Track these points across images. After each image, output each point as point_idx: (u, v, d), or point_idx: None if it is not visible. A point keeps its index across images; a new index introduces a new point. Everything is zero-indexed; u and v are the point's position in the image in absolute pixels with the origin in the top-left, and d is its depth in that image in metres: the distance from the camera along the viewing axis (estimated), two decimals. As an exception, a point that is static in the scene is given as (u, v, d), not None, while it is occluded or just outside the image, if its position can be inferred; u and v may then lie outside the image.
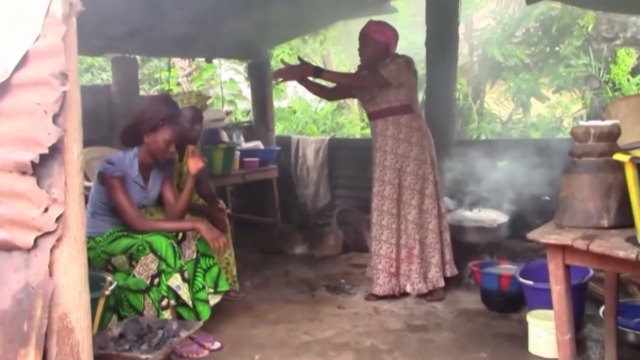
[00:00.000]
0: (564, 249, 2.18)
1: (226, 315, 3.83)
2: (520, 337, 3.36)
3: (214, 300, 3.59)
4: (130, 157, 3.45)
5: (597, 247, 2.01)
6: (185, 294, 3.31)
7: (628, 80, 8.13)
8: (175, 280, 3.29)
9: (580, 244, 2.06)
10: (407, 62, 4.07)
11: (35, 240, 1.89)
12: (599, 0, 4.65)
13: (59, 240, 1.89)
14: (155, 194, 3.62)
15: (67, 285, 1.93)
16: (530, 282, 3.45)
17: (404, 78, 4.04)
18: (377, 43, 4.04)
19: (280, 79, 4.24)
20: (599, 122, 2.32)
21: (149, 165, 3.53)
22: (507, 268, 4.02)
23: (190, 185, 3.60)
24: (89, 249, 3.35)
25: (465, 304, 4.05)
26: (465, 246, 4.67)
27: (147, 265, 3.28)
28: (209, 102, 6.53)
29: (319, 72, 4.11)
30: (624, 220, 2.16)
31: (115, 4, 3.67)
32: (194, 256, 3.54)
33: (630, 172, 1.98)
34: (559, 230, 2.26)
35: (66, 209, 1.89)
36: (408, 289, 4.13)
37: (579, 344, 3.21)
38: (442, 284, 4.14)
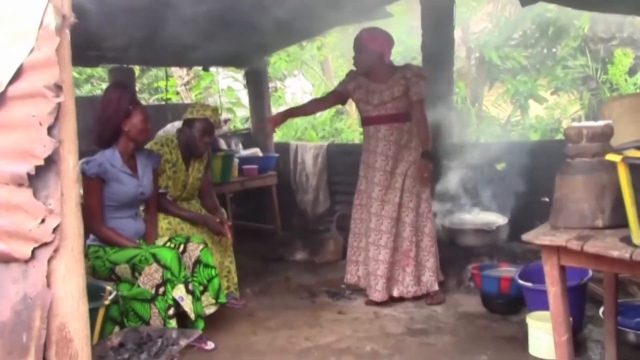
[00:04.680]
0: (558, 250, 2.19)
1: (227, 322, 3.84)
2: (521, 339, 3.37)
3: (209, 310, 3.63)
4: (109, 152, 3.42)
5: (591, 247, 2.02)
6: (187, 305, 3.33)
7: (625, 80, 8.15)
8: (179, 291, 3.32)
9: (574, 245, 2.06)
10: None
11: (33, 251, 1.89)
12: (594, 1, 4.64)
13: (56, 251, 1.89)
14: (149, 182, 3.60)
15: (66, 295, 1.92)
16: (529, 284, 3.44)
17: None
18: (370, 51, 4.09)
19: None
20: (591, 123, 2.32)
21: (131, 153, 3.51)
22: (507, 270, 4.03)
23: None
24: (97, 257, 3.38)
25: (466, 307, 4.05)
26: (465, 249, 4.68)
27: (151, 275, 3.30)
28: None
29: (428, 156, 4.16)
30: (618, 220, 2.16)
31: (111, 15, 3.68)
32: (191, 267, 3.59)
33: (622, 172, 1.99)
34: (553, 231, 2.26)
35: (63, 219, 1.89)
36: (403, 292, 4.13)
37: (580, 344, 3.22)
38: (436, 287, 4.14)
